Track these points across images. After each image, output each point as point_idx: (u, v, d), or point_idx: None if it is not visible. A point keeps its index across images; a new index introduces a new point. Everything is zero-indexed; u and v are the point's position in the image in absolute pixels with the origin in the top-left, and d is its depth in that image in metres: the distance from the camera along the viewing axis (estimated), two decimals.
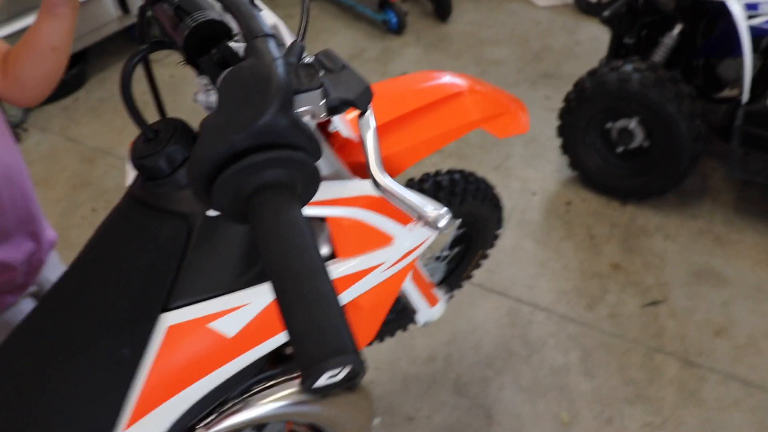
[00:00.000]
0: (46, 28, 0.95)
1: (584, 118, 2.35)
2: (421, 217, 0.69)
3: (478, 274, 2.17)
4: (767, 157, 2.19)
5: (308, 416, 1.05)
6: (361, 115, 0.72)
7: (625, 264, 2.21)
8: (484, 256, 1.69)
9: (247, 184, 0.54)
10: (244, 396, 0.95)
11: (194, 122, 0.77)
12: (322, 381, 0.47)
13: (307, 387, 0.47)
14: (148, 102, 0.91)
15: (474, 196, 1.45)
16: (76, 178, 2.79)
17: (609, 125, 2.34)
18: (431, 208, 0.68)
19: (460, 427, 1.79)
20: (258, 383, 0.97)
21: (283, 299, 0.49)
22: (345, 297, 0.94)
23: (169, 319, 0.76)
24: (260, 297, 0.82)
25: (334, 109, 0.68)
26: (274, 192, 0.54)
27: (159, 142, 0.77)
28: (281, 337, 0.88)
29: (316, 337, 0.46)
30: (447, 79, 1.24)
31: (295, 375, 1.00)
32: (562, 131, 2.44)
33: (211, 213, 0.78)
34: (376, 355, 1.96)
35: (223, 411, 0.94)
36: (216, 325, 0.79)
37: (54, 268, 1.22)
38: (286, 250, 0.50)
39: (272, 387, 0.97)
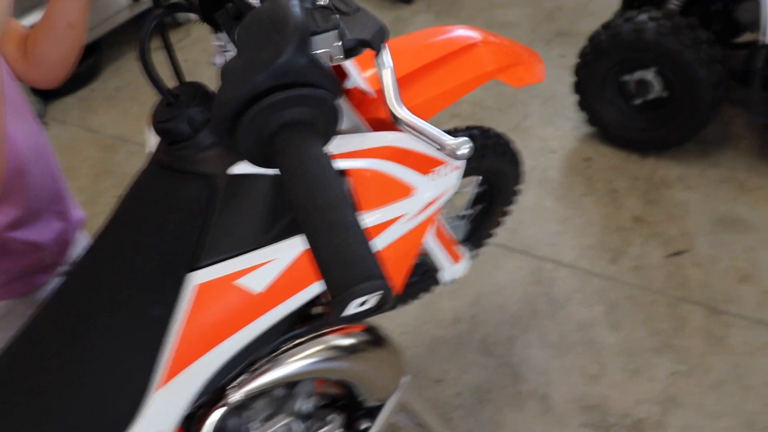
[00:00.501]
0: (62, 5, 0.96)
1: (600, 73, 2.32)
2: (442, 147, 0.70)
3: (500, 235, 2.18)
4: None
5: (337, 372, 1.07)
6: (378, 54, 0.73)
7: (647, 216, 2.20)
8: (505, 213, 1.70)
9: (270, 123, 0.55)
10: (274, 355, 0.98)
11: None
12: (352, 309, 0.49)
13: (336, 315, 0.49)
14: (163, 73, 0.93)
15: (493, 150, 1.45)
16: (98, 166, 2.83)
17: (626, 78, 2.31)
18: (451, 137, 0.70)
19: (488, 387, 1.81)
20: (286, 342, 0.99)
21: (309, 231, 0.50)
22: None
23: (197, 277, 0.79)
24: (286, 252, 0.84)
25: (350, 51, 0.69)
26: (296, 130, 0.56)
27: (180, 105, 0.79)
28: (308, 292, 0.90)
29: (343, 265, 0.48)
30: (460, 32, 1.24)
31: (322, 332, 1.02)
32: (578, 87, 2.42)
33: (235, 170, 0.80)
34: (402, 320, 1.98)
35: (254, 371, 0.96)
36: (243, 282, 0.81)
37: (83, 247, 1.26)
38: (310, 183, 0.52)
39: (300, 345, 0.99)
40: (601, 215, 2.23)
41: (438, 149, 0.71)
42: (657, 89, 2.26)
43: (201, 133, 0.79)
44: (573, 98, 2.46)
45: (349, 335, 1.06)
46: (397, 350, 1.16)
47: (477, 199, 1.64)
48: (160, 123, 0.80)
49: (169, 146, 0.82)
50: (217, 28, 0.74)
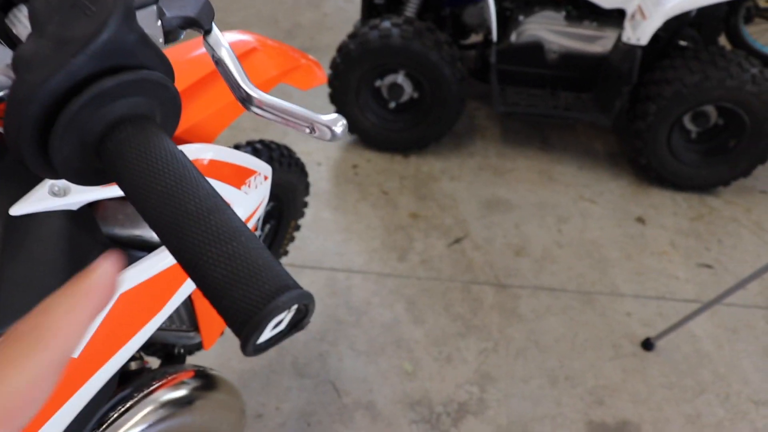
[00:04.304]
0: None
1: (354, 80, 2.37)
2: (313, 127, 0.60)
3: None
4: (520, 89, 2.41)
5: (180, 431, 0.90)
6: (207, 33, 0.60)
7: (422, 211, 2.30)
8: (297, 227, 1.63)
9: (98, 121, 0.41)
10: (103, 429, 0.78)
11: None
12: (267, 333, 0.37)
13: (250, 345, 0.37)
14: None
15: (280, 163, 1.38)
16: None
17: (378, 83, 2.40)
18: (322, 114, 0.60)
19: (311, 409, 1.71)
20: (112, 411, 0.80)
21: (188, 248, 0.38)
22: None
23: None
24: None
25: (170, 33, 0.56)
26: (134, 125, 0.42)
27: None
28: (134, 344, 0.73)
29: (249, 280, 0.36)
30: (235, 36, 1.14)
31: (152, 389, 0.84)
32: (334, 98, 2.44)
33: (16, 210, 0.61)
34: (204, 361, 1.79)
35: None
36: None
37: None
38: (175, 186, 0.39)
39: (129, 410, 0.81)
40: (380, 217, 2.27)
41: (307, 131, 0.61)
42: (408, 91, 2.38)
43: None
44: (329, 110, 2.48)
45: (180, 385, 0.89)
46: (234, 389, 1.02)
47: (266, 218, 1.54)
48: None
49: None
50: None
